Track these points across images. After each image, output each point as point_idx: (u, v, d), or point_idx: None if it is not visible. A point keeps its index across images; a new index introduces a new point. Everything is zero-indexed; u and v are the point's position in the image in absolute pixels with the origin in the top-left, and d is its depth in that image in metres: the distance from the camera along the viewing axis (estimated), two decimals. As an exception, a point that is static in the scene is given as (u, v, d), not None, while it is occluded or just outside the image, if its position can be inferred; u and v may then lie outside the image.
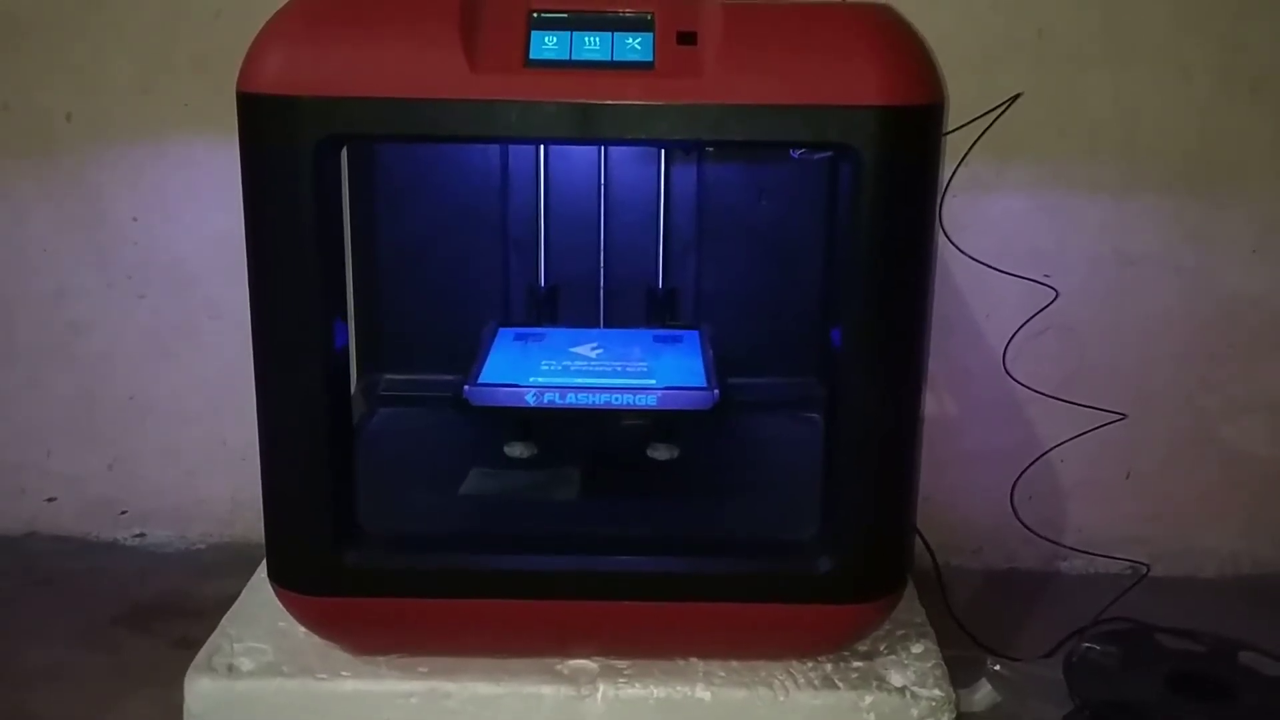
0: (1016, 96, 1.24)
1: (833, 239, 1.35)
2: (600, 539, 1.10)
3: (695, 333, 1.34)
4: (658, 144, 1.17)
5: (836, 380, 1.03)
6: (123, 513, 1.66)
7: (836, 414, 1.03)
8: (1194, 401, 1.62)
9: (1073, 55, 1.50)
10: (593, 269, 1.39)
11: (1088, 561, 1.67)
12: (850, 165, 0.96)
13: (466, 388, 1.14)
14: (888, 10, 1.01)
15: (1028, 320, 1.42)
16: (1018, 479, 1.50)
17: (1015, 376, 1.44)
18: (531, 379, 1.16)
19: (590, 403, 1.12)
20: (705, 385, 1.16)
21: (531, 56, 0.96)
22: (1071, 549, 1.63)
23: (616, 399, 1.13)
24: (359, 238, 1.38)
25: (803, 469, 1.17)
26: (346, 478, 1.05)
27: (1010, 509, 1.54)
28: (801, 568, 1.06)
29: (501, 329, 1.33)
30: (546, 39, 0.97)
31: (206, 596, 1.50)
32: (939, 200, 1.03)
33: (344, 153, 1.31)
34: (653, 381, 1.16)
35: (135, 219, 1.57)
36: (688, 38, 0.97)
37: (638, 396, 1.13)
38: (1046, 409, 1.53)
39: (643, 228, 1.38)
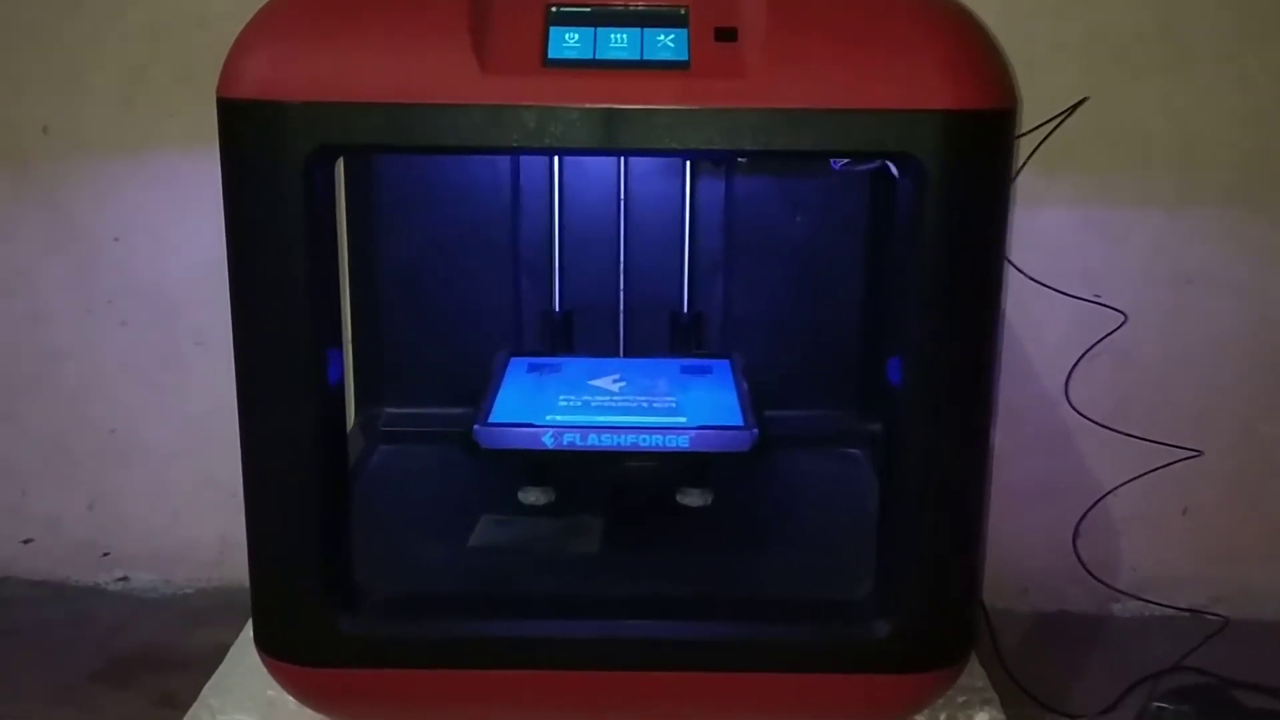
0: (1082, 101, 1.13)
1: (875, 259, 1.25)
2: (626, 601, 0.98)
3: (725, 362, 1.23)
4: (693, 155, 1.06)
5: (894, 420, 0.91)
6: (104, 555, 1.60)
7: (894, 458, 0.92)
8: (1257, 430, 1.53)
9: (1124, 60, 1.41)
10: (611, 292, 1.29)
11: (1143, 605, 1.57)
12: (912, 177, 0.85)
13: (476, 427, 1.03)
14: (952, 1, 0.89)
15: (1092, 346, 1.31)
16: (1081, 519, 1.40)
17: (1071, 405, 1.33)
18: (548, 417, 1.05)
19: (615, 445, 1.01)
20: (742, 423, 1.04)
21: (550, 56, 0.85)
22: (1125, 593, 1.55)
23: (644, 440, 1.01)
24: (357, 258, 1.29)
25: (849, 515, 1.09)
26: (342, 531, 0.94)
27: (1065, 549, 1.45)
28: (855, 634, 0.94)
29: (514, 359, 1.22)
30: (567, 36, 0.86)
31: (193, 647, 1.44)
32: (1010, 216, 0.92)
33: (339, 165, 1.23)
34: (683, 419, 1.05)
35: (116, 239, 1.50)
36: (727, 34, 0.86)
37: (668, 437, 1.01)
38: (1102, 440, 1.42)
39: (666, 247, 1.28)
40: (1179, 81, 1.41)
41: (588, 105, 0.84)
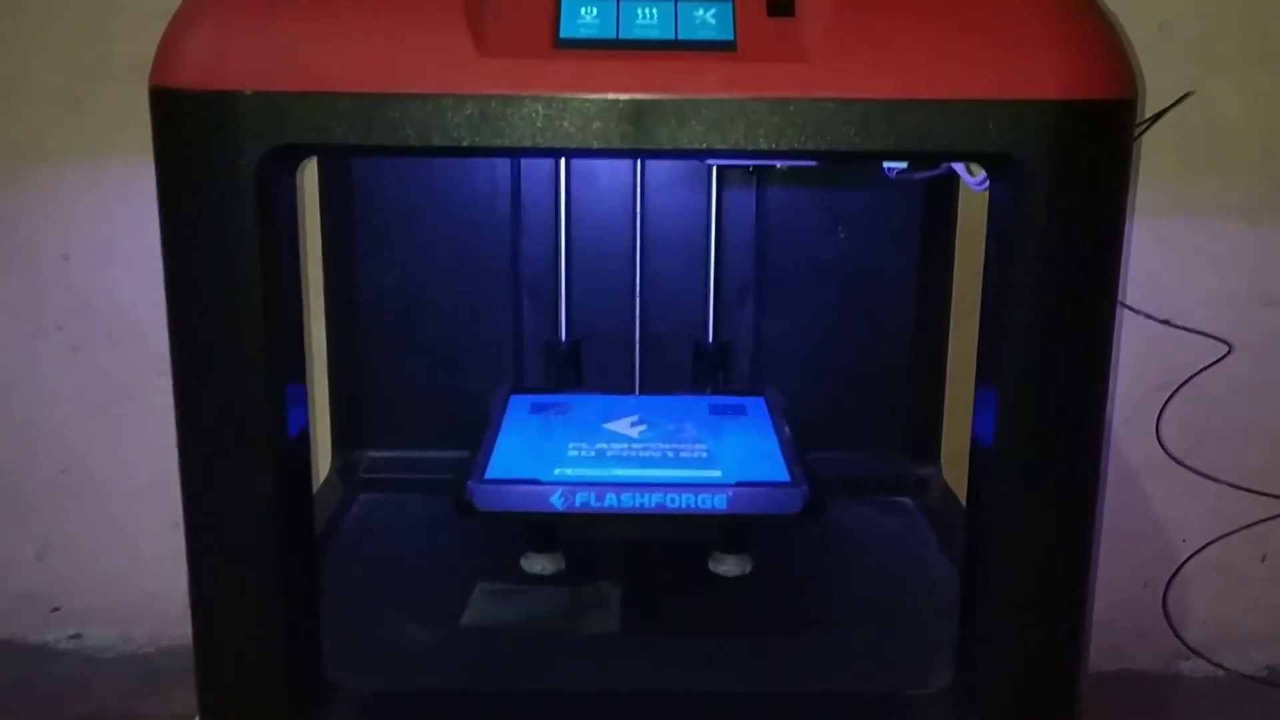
0: (1186, 96, 0.97)
1: (928, 280, 1.09)
2: (652, 695, 0.82)
3: (759, 400, 1.07)
4: (739, 159, 0.91)
5: (984, 475, 0.75)
6: (54, 610, 1.48)
7: (984, 521, 0.76)
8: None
9: (1200, 54, 1.26)
10: (625, 319, 1.15)
11: (1210, 665, 1.45)
12: (1012, 183, 0.70)
13: (471, 485, 0.86)
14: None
15: (1191, 378, 1.15)
16: (1173, 576, 1.24)
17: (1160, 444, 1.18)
18: (557, 471, 0.89)
19: (637, 506, 0.85)
20: (789, 479, 0.88)
21: (563, 35, 0.69)
22: (1195, 652, 1.41)
23: (673, 501, 0.85)
24: (334, 279, 1.15)
25: (912, 583, 0.95)
26: (307, 616, 0.78)
27: (1134, 600, 1.30)
28: (935, 739, 0.77)
29: (514, 396, 1.07)
30: (584, 11, 0.70)
31: (154, 714, 1.35)
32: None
33: (308, 170, 1.06)
34: (718, 474, 0.89)
35: (67, 257, 1.38)
36: (782, 7, 0.70)
37: (701, 497, 0.85)
38: (1181, 482, 1.26)
39: (688, 267, 1.15)
40: (1261, 77, 1.27)
41: (609, 96, 0.69)
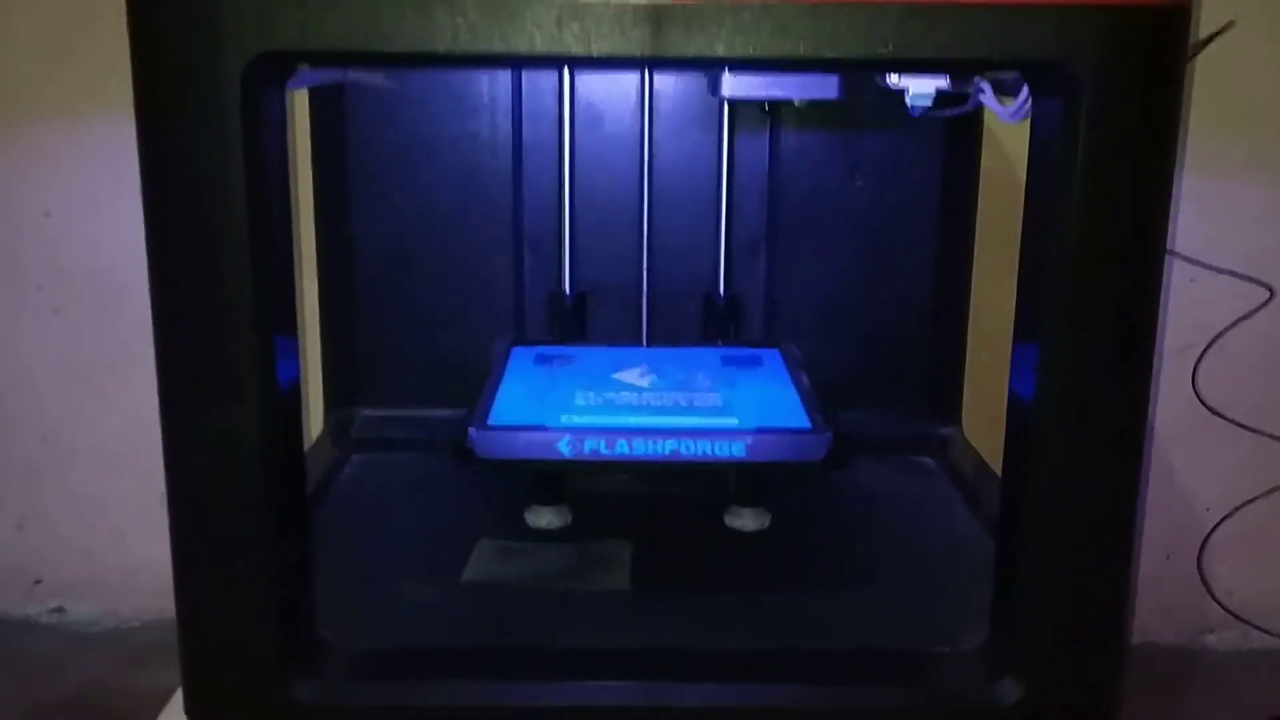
0: (1227, 26, 0.92)
1: (950, 230, 1.04)
2: (666, 655, 0.77)
3: (774, 352, 1.01)
4: (763, 70, 0.85)
5: (1024, 424, 0.70)
6: (36, 583, 1.44)
7: (1022, 475, 0.70)
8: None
9: (1228, 6, 1.20)
10: (632, 272, 1.10)
11: (1241, 635, 1.38)
12: (1062, 97, 0.64)
13: (471, 431, 0.81)
14: None
15: (1230, 326, 1.09)
16: (1207, 537, 1.19)
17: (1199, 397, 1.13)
18: (564, 418, 0.83)
19: (650, 454, 0.79)
20: (810, 425, 0.82)
21: (573, -68, 0.63)
22: (1232, 614, 1.35)
23: (688, 448, 0.79)
24: (329, 232, 1.10)
25: (937, 539, 0.91)
26: (297, 569, 0.73)
27: (1156, 570, 1.28)
28: (971, 698, 0.72)
29: (516, 348, 1.01)
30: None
31: (139, 691, 1.29)
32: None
33: (300, 103, 1.04)
34: (734, 421, 0.83)
35: (48, 214, 1.34)
36: (813, -97, 0.64)
37: (718, 444, 0.79)
38: (1221, 438, 1.20)
39: (698, 217, 1.10)
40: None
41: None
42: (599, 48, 0.63)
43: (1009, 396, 0.75)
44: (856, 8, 0.63)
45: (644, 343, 1.08)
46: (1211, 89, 1.21)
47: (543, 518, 0.89)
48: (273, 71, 0.65)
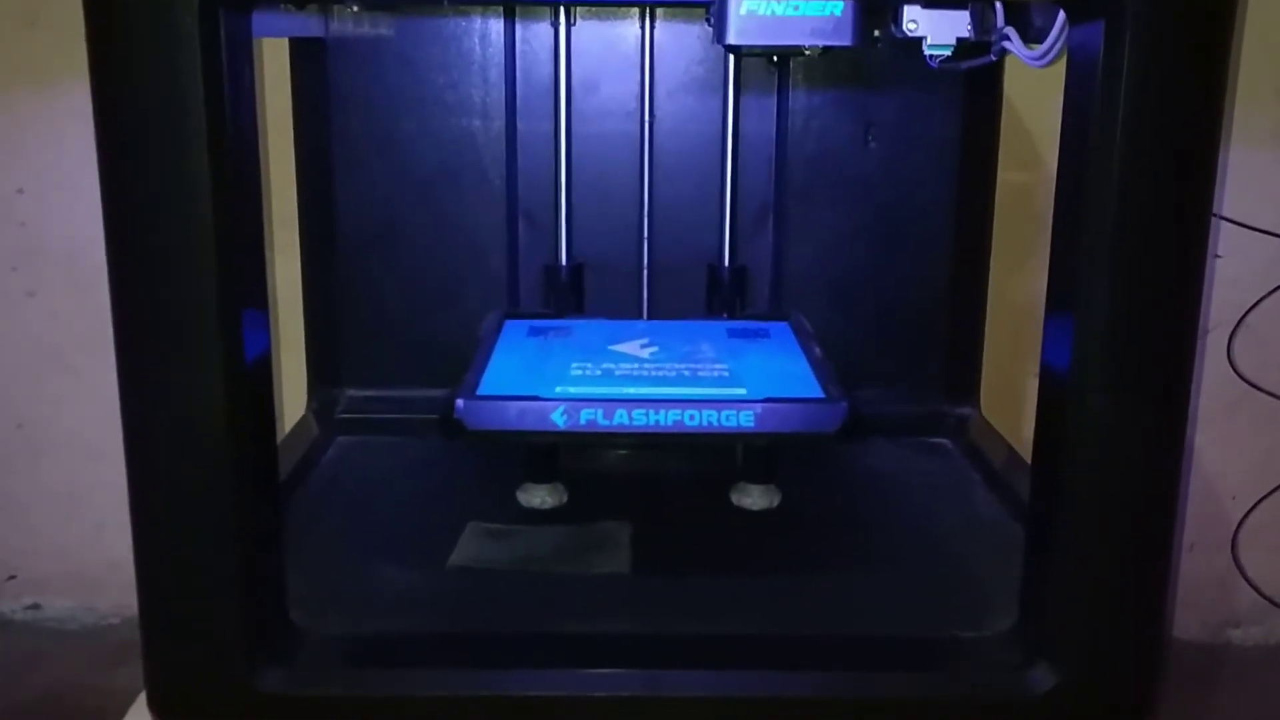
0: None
1: (970, 195, 0.99)
2: (670, 642, 0.71)
3: (784, 325, 0.95)
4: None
5: (1057, 400, 0.64)
6: (10, 579, 1.41)
7: (1060, 450, 0.65)
8: None
9: None
10: (632, 242, 1.04)
11: (1268, 630, 1.36)
12: (1106, 31, 0.58)
13: (460, 402, 0.75)
14: None
15: (1266, 297, 1.04)
16: (1243, 519, 1.14)
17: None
18: (559, 389, 0.77)
19: (652, 425, 0.73)
20: (824, 395, 0.76)
21: None
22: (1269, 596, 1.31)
23: (693, 419, 0.73)
24: (311, 201, 1.04)
25: (956, 519, 0.86)
26: (268, 551, 0.67)
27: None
28: (1000, 686, 0.67)
29: (509, 321, 0.95)
30: None
31: (118, 690, 1.29)
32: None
33: (276, 55, 0.99)
34: (743, 391, 0.77)
35: (20, 190, 1.30)
36: None
37: (726, 414, 0.73)
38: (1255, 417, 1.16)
39: (701, 184, 1.04)
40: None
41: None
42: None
43: (1041, 368, 0.69)
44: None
45: (644, 316, 1.02)
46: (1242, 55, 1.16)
47: (536, 496, 0.83)
48: (235, 7, 0.60)
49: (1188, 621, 1.34)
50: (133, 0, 0.59)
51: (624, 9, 0.99)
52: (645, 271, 1.04)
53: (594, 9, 1.00)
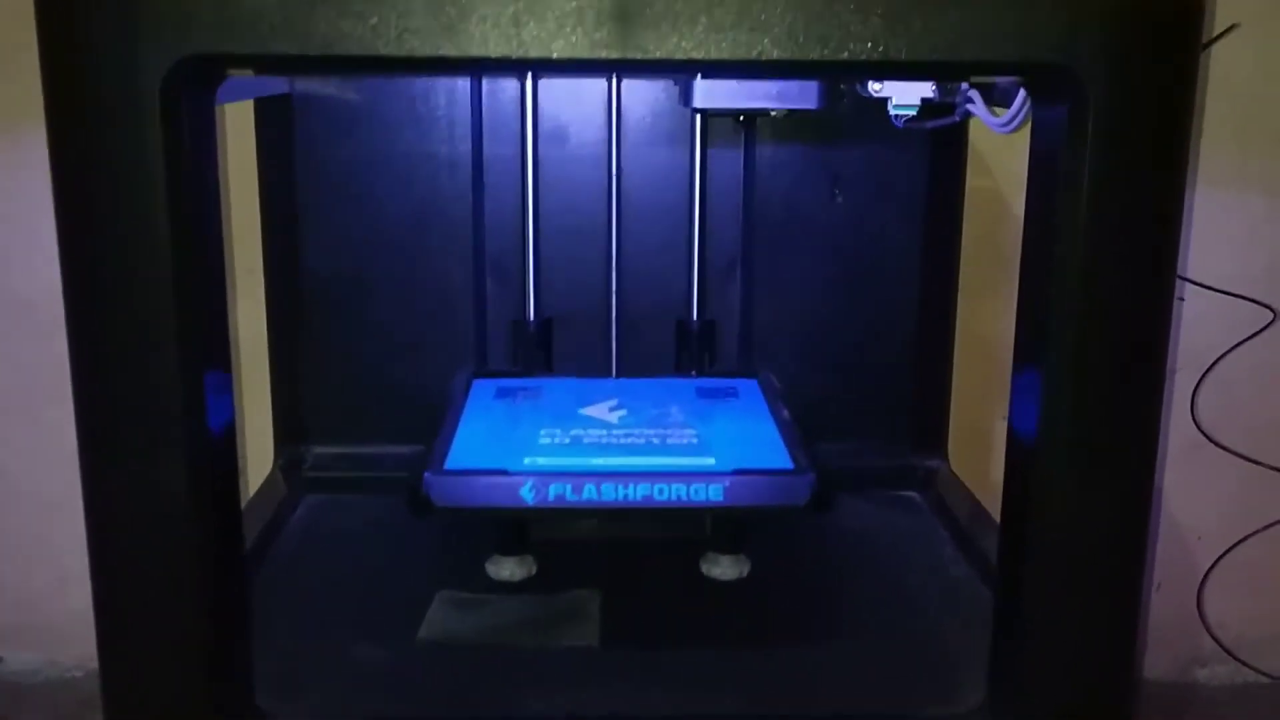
0: (1231, 29, 0.87)
1: (935, 249, 0.99)
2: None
3: (752, 383, 0.95)
4: (739, 74, 0.79)
5: (1024, 468, 0.64)
6: None
7: (1023, 520, 0.64)
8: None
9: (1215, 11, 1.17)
10: (600, 296, 1.03)
11: (1234, 669, 1.35)
12: (1067, 106, 0.58)
13: (428, 476, 0.74)
14: None
15: (1230, 350, 1.05)
16: (1208, 572, 1.15)
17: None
18: (527, 460, 0.77)
19: (621, 499, 0.73)
20: (792, 465, 0.76)
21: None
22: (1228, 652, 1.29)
23: (662, 493, 0.73)
24: (277, 256, 1.03)
25: (928, 587, 0.85)
26: (234, 631, 0.65)
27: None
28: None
29: (477, 380, 0.95)
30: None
31: None
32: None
33: (242, 114, 0.97)
34: (712, 461, 0.77)
35: None
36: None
37: (694, 487, 0.73)
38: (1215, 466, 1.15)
39: (670, 237, 1.03)
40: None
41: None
42: (559, 50, 0.57)
43: (1009, 433, 0.69)
44: (841, 4, 0.57)
45: (613, 373, 1.02)
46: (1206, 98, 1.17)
47: (505, 569, 0.82)
48: (198, 77, 0.59)
49: (1155, 660, 1.35)
50: (94, 76, 0.58)
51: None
52: (614, 326, 1.03)
53: (562, 64, 0.99)
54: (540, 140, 1.00)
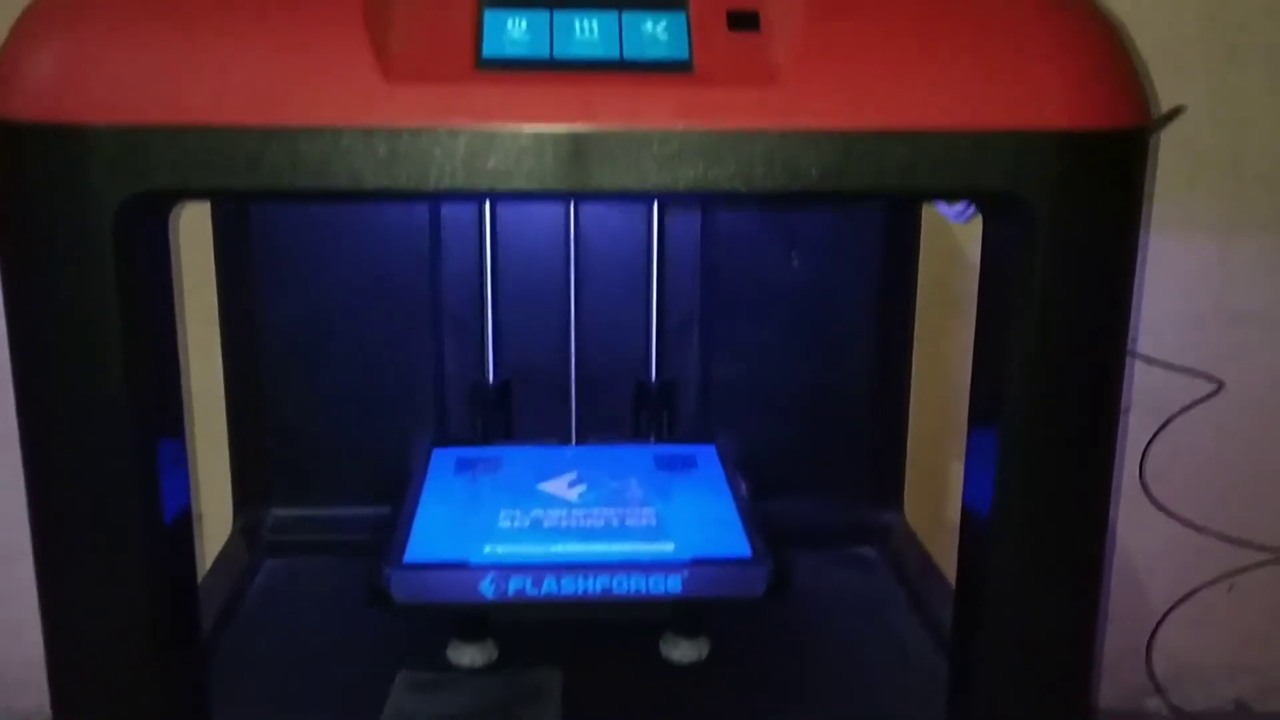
0: (1177, 111, 0.88)
1: (889, 311, 1.00)
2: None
3: (710, 449, 0.95)
4: (698, 199, 0.80)
5: (978, 550, 0.66)
6: None
7: (978, 599, 0.66)
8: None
9: (1166, 60, 1.17)
10: (559, 357, 1.02)
11: (1182, 698, 1.36)
12: (1014, 225, 0.59)
13: (388, 572, 0.74)
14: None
15: (1170, 419, 1.06)
16: (1157, 626, 1.16)
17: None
18: (487, 549, 0.77)
19: (580, 592, 0.73)
20: (750, 554, 0.77)
21: (486, 53, 0.58)
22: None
23: (621, 584, 0.73)
24: (233, 319, 1.01)
25: (881, 656, 0.86)
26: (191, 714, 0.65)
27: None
28: None
29: (437, 450, 0.94)
30: (511, 23, 0.58)
31: None
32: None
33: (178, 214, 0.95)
34: (671, 547, 0.77)
35: None
36: (745, 19, 0.59)
37: (653, 579, 0.74)
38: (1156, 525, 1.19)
39: (628, 297, 1.02)
40: (1228, 80, 1.17)
41: (542, 128, 0.57)
42: (513, 183, 0.57)
43: (963, 510, 0.71)
44: (795, 136, 0.58)
45: (573, 435, 1.02)
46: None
47: (466, 655, 0.82)
48: (149, 209, 0.59)
49: (1108, 690, 1.36)
50: (47, 210, 0.57)
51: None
52: (574, 384, 1.02)
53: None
54: (498, 204, 0.99)
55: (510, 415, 1.02)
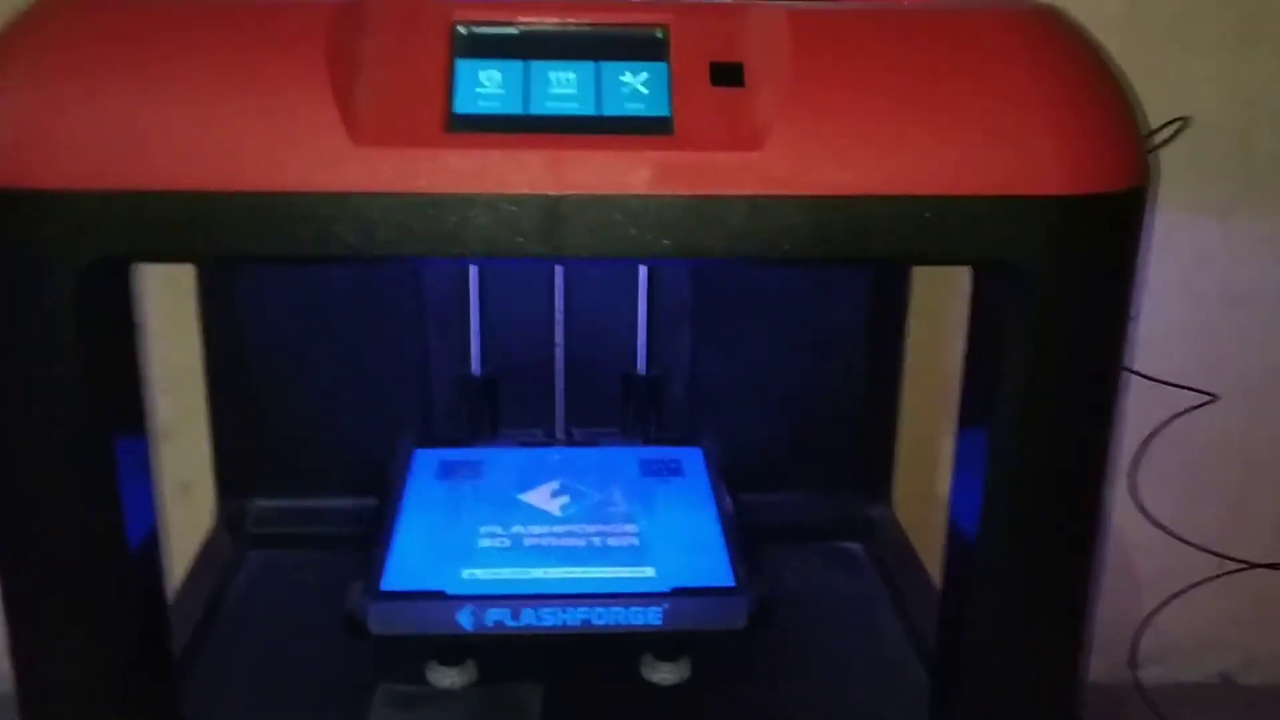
0: (1179, 122, 0.86)
1: (880, 303, 0.98)
2: None
3: (697, 452, 0.95)
4: (679, 263, 0.77)
5: (965, 583, 0.65)
6: None
7: (961, 639, 0.65)
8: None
9: (1173, 35, 1.15)
10: (545, 350, 1.00)
11: (1165, 670, 1.38)
12: (1009, 287, 0.57)
13: (364, 601, 0.74)
14: (1056, 20, 0.61)
15: (1160, 428, 1.05)
16: (1141, 627, 1.16)
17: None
18: (466, 573, 0.76)
19: (559, 624, 0.73)
20: (733, 582, 0.77)
21: (457, 111, 0.55)
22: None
23: (600, 615, 0.73)
24: (215, 310, 0.99)
25: (868, 669, 0.85)
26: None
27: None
28: None
29: (418, 451, 0.93)
30: (483, 79, 0.56)
31: None
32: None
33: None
34: (651, 572, 0.77)
35: None
36: (729, 73, 0.56)
37: (633, 611, 0.73)
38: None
39: (616, 292, 1.00)
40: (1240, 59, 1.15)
41: (516, 192, 0.54)
42: (484, 248, 0.55)
43: (948, 533, 0.70)
44: (779, 202, 0.56)
45: (559, 429, 1.01)
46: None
47: (445, 677, 0.82)
48: (110, 274, 0.57)
49: (1097, 664, 1.38)
50: (3, 270, 0.56)
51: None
52: (560, 377, 1.01)
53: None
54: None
55: (496, 408, 1.01)
